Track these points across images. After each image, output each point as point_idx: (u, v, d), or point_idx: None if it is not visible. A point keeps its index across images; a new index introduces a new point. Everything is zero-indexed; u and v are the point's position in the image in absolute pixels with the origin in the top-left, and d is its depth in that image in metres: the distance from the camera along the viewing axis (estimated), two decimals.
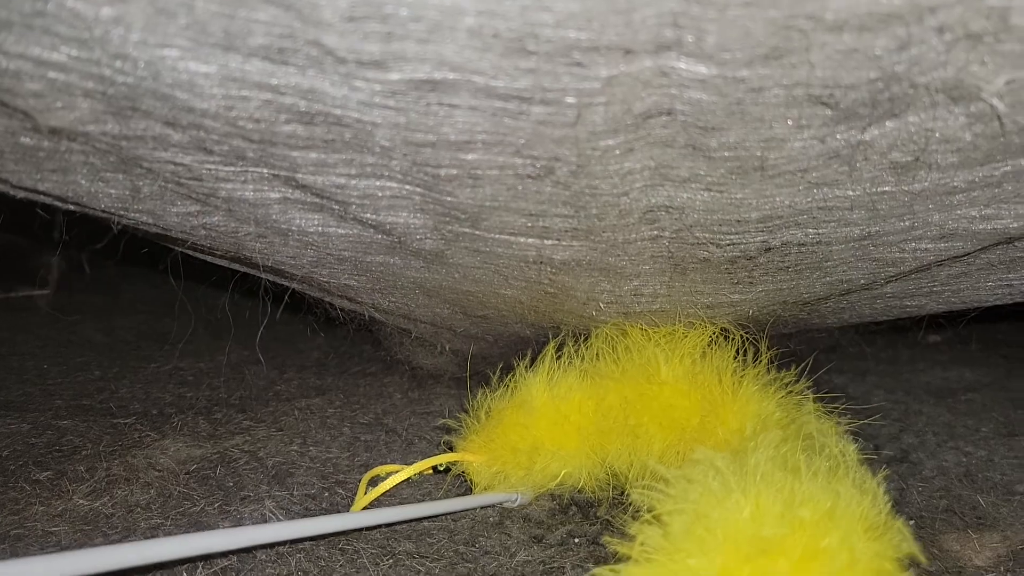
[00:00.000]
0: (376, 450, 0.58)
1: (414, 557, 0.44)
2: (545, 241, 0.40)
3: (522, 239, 0.40)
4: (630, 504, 0.48)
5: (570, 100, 0.30)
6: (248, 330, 0.73)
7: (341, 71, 0.28)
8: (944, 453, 0.56)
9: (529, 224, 0.39)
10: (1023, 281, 0.49)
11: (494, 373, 0.52)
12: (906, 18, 0.26)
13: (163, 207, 0.41)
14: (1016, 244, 0.43)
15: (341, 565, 0.43)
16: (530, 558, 0.44)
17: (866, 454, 0.56)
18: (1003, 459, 0.55)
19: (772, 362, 0.50)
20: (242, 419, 0.61)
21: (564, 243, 0.41)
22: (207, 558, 0.42)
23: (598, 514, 0.49)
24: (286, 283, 0.56)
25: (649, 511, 0.35)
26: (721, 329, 0.52)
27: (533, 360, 0.51)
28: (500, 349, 0.63)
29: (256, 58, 0.28)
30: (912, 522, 0.48)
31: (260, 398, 0.67)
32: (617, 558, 0.35)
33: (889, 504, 0.37)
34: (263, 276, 0.55)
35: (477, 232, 0.40)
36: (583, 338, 0.52)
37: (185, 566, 0.42)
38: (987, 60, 0.27)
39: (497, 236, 0.40)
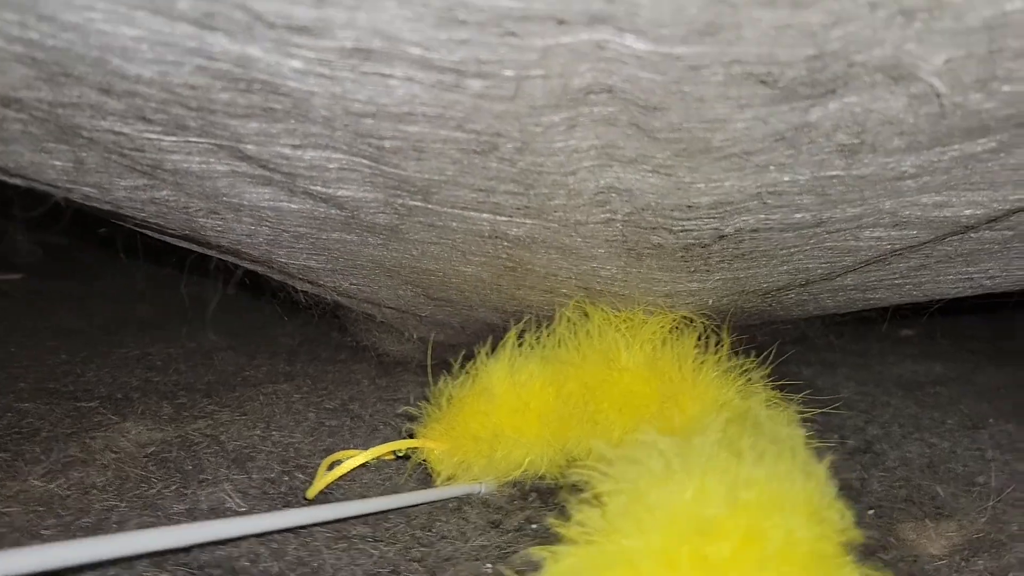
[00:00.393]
0: (340, 436, 0.57)
1: (368, 540, 0.44)
2: (498, 217, 0.40)
3: (475, 213, 0.40)
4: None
5: (507, 73, 0.29)
6: (222, 316, 0.73)
7: (272, 37, 0.28)
8: (908, 444, 0.56)
9: (480, 199, 0.39)
10: (983, 274, 0.49)
11: (456, 360, 0.52)
12: None
13: (110, 180, 0.40)
14: (971, 235, 0.43)
15: (295, 548, 0.43)
16: (487, 543, 0.44)
17: (829, 444, 0.56)
18: (966, 451, 0.55)
19: (734, 350, 0.50)
20: (207, 404, 0.61)
21: (517, 220, 0.40)
22: None
23: (557, 500, 0.49)
24: (248, 266, 0.56)
25: (590, 491, 0.35)
26: (683, 317, 0.51)
27: (495, 347, 0.51)
28: (467, 337, 0.63)
29: (184, 22, 0.28)
30: (871, 511, 0.48)
31: (227, 383, 0.66)
32: (560, 540, 0.35)
33: (837, 489, 0.37)
34: (224, 258, 0.55)
35: (429, 206, 0.40)
36: (546, 323, 0.52)
37: None
38: (924, 38, 0.27)
39: (449, 210, 0.40)
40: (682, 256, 0.44)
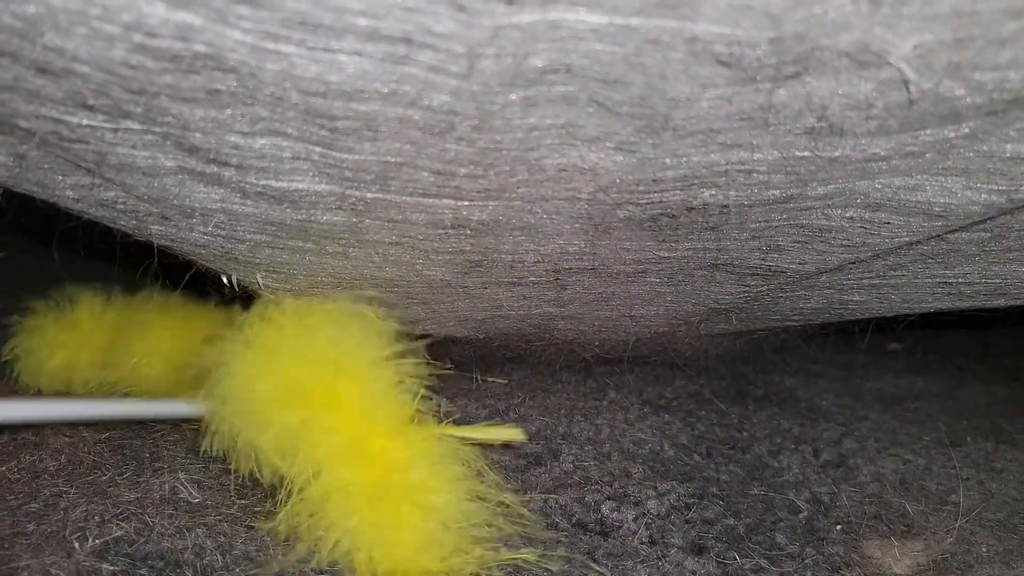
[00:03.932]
0: None
1: None
2: (460, 202, 0.39)
3: (435, 200, 0.39)
4: None
5: (459, 49, 0.28)
6: None
7: (211, 4, 0.27)
8: (883, 460, 0.55)
9: (439, 184, 0.37)
10: (961, 280, 0.48)
11: None
12: None
13: (53, 178, 0.39)
14: (948, 236, 0.42)
15: (242, 542, 0.42)
16: None
17: (803, 456, 0.55)
18: (941, 468, 0.54)
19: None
20: None
21: (479, 203, 0.39)
22: None
23: None
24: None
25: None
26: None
27: None
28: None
29: None
30: (839, 526, 0.46)
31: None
32: None
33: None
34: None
35: (387, 196, 0.38)
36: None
37: None
38: (892, 23, 0.26)
39: (409, 199, 0.39)
40: (650, 226, 0.43)
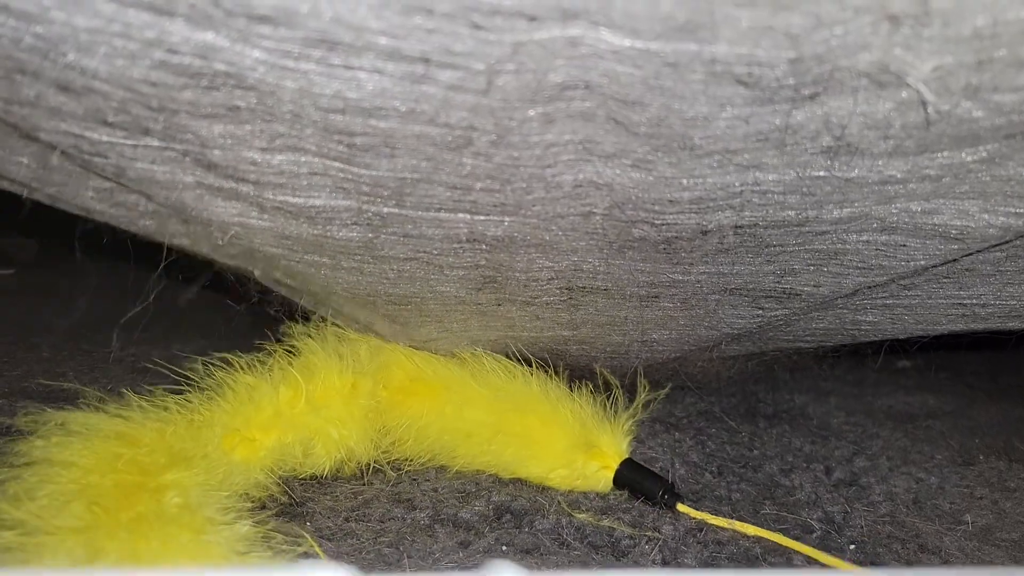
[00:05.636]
0: None
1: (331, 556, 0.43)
2: (475, 216, 0.39)
3: (451, 215, 0.39)
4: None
5: (478, 66, 0.28)
6: (213, 319, 0.72)
7: (233, 25, 0.27)
8: (895, 478, 0.55)
9: (456, 198, 0.37)
10: (975, 301, 0.48)
11: None
12: None
13: (75, 183, 0.39)
14: (961, 261, 0.42)
15: None
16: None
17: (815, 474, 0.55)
18: (954, 487, 0.54)
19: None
20: None
21: (495, 218, 0.39)
22: None
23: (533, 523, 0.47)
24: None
25: None
26: None
27: None
28: None
29: (139, 8, 0.27)
30: (852, 546, 0.46)
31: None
32: None
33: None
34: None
35: (404, 211, 0.38)
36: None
37: None
38: (912, 44, 0.26)
39: (424, 214, 0.39)
40: (664, 248, 0.43)
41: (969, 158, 0.33)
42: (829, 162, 0.34)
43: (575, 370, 0.58)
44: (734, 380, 0.75)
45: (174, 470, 0.41)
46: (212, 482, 0.43)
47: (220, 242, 0.43)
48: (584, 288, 0.49)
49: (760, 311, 0.51)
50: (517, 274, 0.46)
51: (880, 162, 0.33)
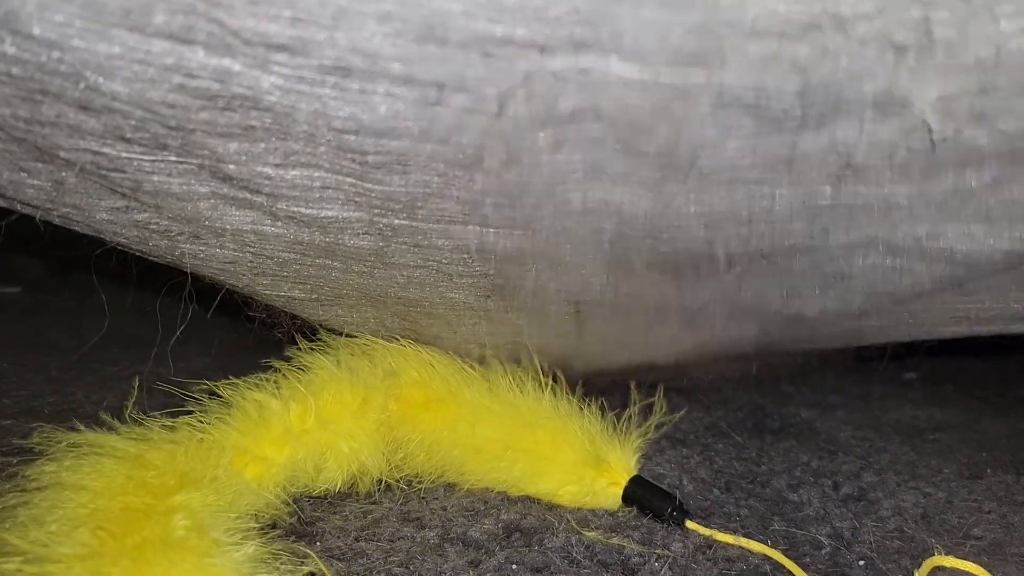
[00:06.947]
0: None
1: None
2: (485, 230, 0.40)
3: (460, 227, 0.39)
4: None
5: (490, 91, 0.29)
6: (217, 337, 0.72)
7: (250, 53, 0.28)
8: (903, 493, 0.55)
9: (466, 212, 0.38)
10: (978, 306, 0.48)
11: None
12: (826, 28, 0.25)
13: (89, 202, 0.40)
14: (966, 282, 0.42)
15: None
16: None
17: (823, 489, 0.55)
18: (963, 502, 0.54)
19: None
20: None
21: (504, 231, 0.40)
22: None
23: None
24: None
25: None
26: None
27: None
28: None
29: (160, 38, 0.27)
30: (862, 562, 0.46)
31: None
32: None
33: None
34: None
35: (414, 223, 0.39)
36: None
37: None
38: (916, 73, 0.26)
39: (435, 226, 0.39)
40: (672, 269, 0.43)
41: (974, 182, 0.33)
42: (835, 187, 0.34)
43: (585, 378, 0.58)
44: (740, 389, 0.75)
45: (183, 492, 0.41)
46: (221, 503, 0.43)
47: (232, 251, 0.43)
48: (591, 302, 0.49)
49: (766, 331, 0.51)
50: (526, 284, 0.46)
51: (886, 187, 0.34)
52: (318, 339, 0.54)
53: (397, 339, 0.55)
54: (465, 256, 0.43)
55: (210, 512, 0.41)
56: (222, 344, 0.79)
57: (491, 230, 0.40)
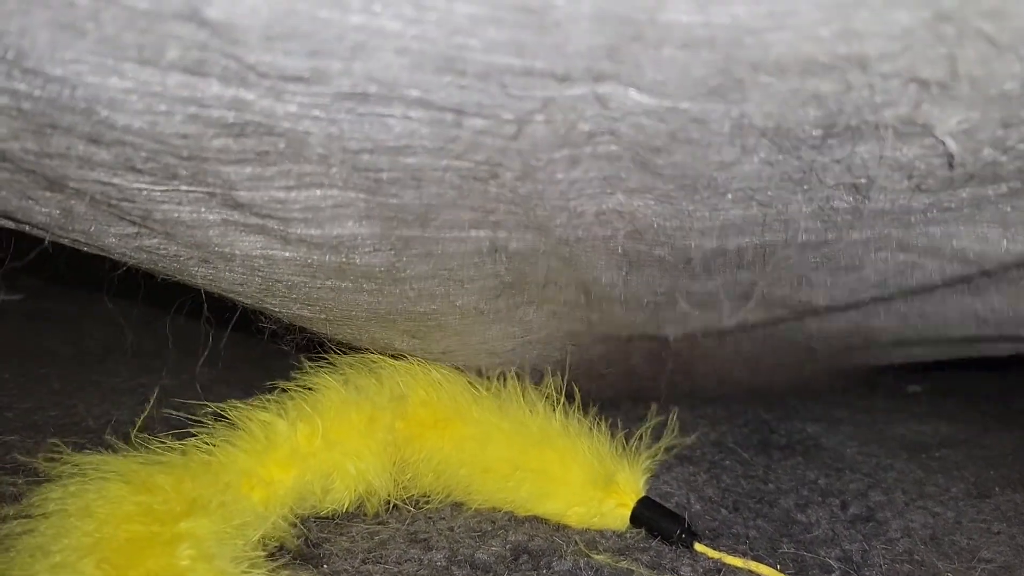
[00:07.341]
0: None
1: None
2: (497, 232, 0.39)
3: (474, 232, 0.39)
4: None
5: (508, 116, 0.29)
6: (224, 349, 0.71)
7: (266, 84, 0.27)
8: (912, 513, 0.55)
9: (479, 218, 0.38)
10: (987, 309, 0.48)
11: None
12: (850, 66, 0.25)
13: (98, 228, 0.39)
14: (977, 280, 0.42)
15: None
16: None
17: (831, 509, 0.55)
18: (971, 522, 0.54)
19: None
20: None
21: (516, 234, 0.40)
22: None
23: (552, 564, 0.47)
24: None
25: None
26: None
27: None
28: None
29: (175, 71, 0.27)
30: None
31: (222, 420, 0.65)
32: None
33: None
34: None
35: (427, 233, 0.39)
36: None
37: None
38: (939, 102, 0.26)
39: (448, 234, 0.39)
40: (683, 267, 0.43)
41: (991, 192, 0.33)
42: (851, 197, 0.34)
43: (597, 392, 0.58)
44: (744, 401, 0.75)
45: (190, 519, 0.41)
46: (228, 530, 0.42)
47: (241, 275, 0.43)
48: (601, 295, 0.49)
49: (773, 315, 0.51)
50: (537, 278, 0.46)
51: (903, 196, 0.34)
52: (327, 352, 0.54)
53: (406, 357, 0.55)
54: (476, 260, 0.43)
55: (216, 540, 0.41)
56: (229, 355, 0.79)
57: (503, 233, 0.40)
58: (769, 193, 0.34)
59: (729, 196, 0.35)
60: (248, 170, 0.33)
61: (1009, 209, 0.35)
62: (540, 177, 0.34)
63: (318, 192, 0.35)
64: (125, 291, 0.59)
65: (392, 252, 0.41)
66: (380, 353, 0.55)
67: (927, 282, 0.43)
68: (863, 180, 0.33)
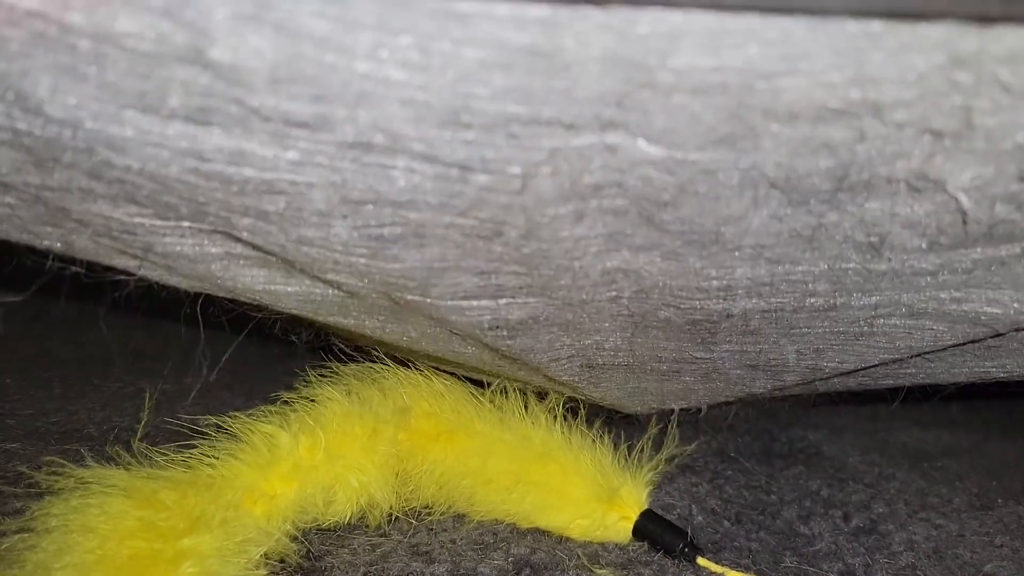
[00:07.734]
0: None
1: None
2: (499, 301, 0.39)
3: (475, 303, 0.39)
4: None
5: (514, 170, 0.28)
6: (221, 351, 0.71)
7: (269, 130, 0.27)
8: (914, 525, 0.55)
9: (482, 283, 0.37)
10: (1000, 369, 0.47)
11: None
12: (863, 113, 0.24)
13: (100, 254, 0.39)
14: (987, 342, 0.42)
15: None
16: None
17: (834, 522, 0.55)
18: (974, 535, 0.54)
19: None
20: None
21: (519, 300, 0.39)
22: None
23: None
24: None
25: None
26: None
27: None
28: None
29: (176, 120, 0.27)
30: None
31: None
32: None
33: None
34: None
35: (428, 300, 0.38)
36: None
37: None
38: (952, 155, 0.26)
39: (449, 303, 0.38)
40: (689, 329, 0.43)
41: (1004, 253, 0.33)
42: (861, 256, 0.33)
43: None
44: (745, 410, 0.74)
45: (192, 535, 0.41)
46: (231, 546, 0.42)
47: (247, 300, 0.43)
48: (604, 365, 0.49)
49: (782, 382, 0.50)
50: (538, 355, 0.46)
51: (913, 256, 0.33)
52: (328, 368, 0.54)
53: (409, 363, 0.55)
54: (478, 331, 0.42)
55: (219, 557, 0.41)
56: (230, 357, 0.79)
57: (505, 300, 0.39)
58: (778, 250, 0.34)
59: (737, 253, 0.34)
60: (248, 221, 0.33)
61: (1021, 270, 0.35)
62: (545, 235, 0.33)
63: (319, 252, 0.35)
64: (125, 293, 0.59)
65: (393, 304, 0.40)
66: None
67: (937, 345, 0.42)
68: (875, 238, 0.32)
